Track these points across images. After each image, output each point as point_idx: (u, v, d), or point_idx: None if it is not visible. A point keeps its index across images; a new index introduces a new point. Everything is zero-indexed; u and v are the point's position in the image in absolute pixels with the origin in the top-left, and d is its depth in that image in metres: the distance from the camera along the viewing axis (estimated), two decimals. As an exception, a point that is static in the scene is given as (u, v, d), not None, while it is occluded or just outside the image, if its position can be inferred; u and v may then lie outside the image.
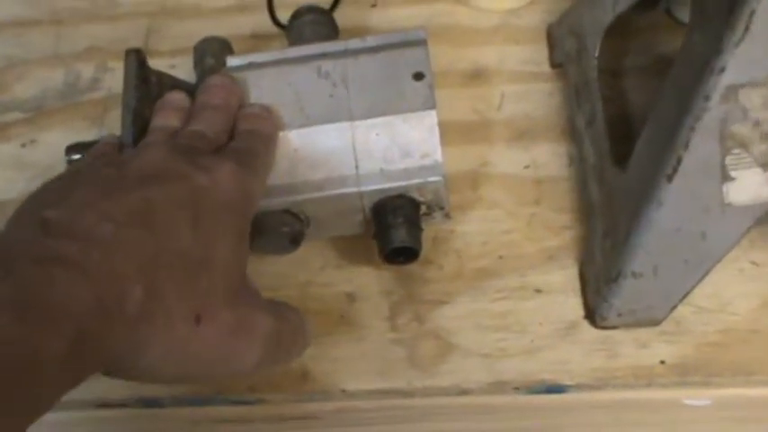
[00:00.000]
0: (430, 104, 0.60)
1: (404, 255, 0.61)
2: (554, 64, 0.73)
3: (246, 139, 0.58)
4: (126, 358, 0.46)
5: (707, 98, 0.51)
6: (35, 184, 0.70)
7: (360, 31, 0.75)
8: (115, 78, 0.76)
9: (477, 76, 0.73)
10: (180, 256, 0.49)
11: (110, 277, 0.45)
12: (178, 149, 0.54)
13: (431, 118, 0.59)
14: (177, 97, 0.61)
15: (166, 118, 0.59)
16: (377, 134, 0.59)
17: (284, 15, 0.76)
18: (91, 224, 0.47)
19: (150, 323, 0.46)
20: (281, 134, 0.60)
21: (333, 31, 0.70)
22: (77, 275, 0.44)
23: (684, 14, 0.69)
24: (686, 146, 0.53)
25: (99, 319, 0.44)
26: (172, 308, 0.47)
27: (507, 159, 0.69)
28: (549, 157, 0.69)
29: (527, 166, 0.69)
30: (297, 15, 0.70)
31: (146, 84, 0.63)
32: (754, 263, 0.63)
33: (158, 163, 0.52)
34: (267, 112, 0.60)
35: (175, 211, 0.50)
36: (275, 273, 0.65)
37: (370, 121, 0.59)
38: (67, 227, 0.47)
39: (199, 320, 0.48)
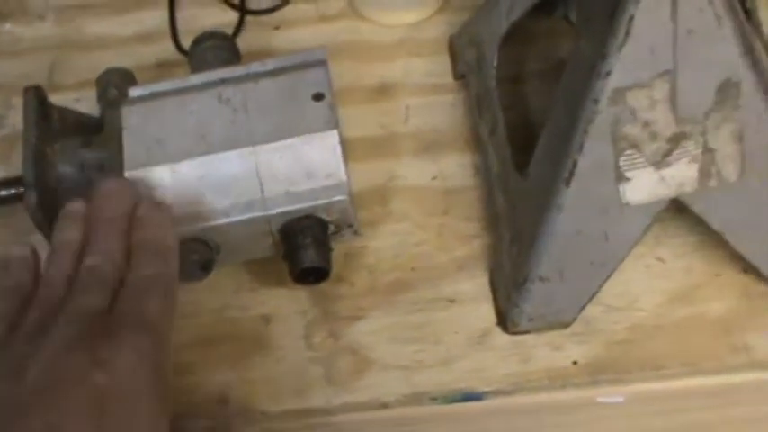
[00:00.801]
0: (331, 125, 0.60)
1: (314, 275, 0.61)
2: (457, 75, 0.73)
3: (144, 264, 0.54)
4: None
5: (596, 101, 0.53)
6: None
7: (264, 54, 0.76)
8: (20, 115, 0.74)
9: (382, 90, 0.74)
10: None
11: None
12: (75, 334, 0.50)
13: (332, 138, 0.60)
14: (75, 208, 0.57)
15: (68, 230, 0.56)
16: (280, 157, 0.60)
17: (188, 42, 0.76)
18: None
19: None
20: (184, 162, 0.60)
21: (234, 56, 0.70)
22: None
23: (580, 19, 0.71)
24: (580, 149, 0.54)
25: None
26: None
27: (415, 172, 0.70)
28: (456, 168, 0.70)
29: (434, 178, 0.69)
30: (198, 41, 0.70)
31: (46, 120, 0.63)
32: (659, 259, 0.64)
33: (55, 368, 0.48)
34: (158, 212, 0.58)
35: (76, 424, 0.47)
36: (188, 300, 0.65)
37: (272, 145, 0.60)
38: None
39: None
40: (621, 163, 0.55)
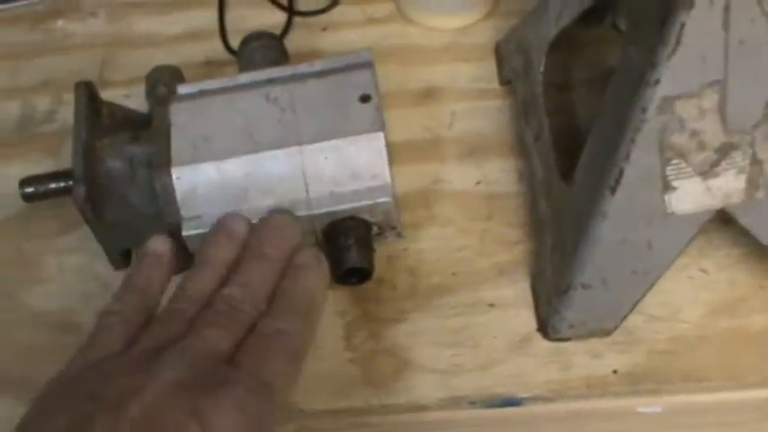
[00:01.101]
0: (377, 126, 0.60)
1: (357, 275, 0.62)
2: (503, 81, 0.74)
3: (283, 314, 0.53)
4: None
5: (644, 110, 0.52)
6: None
7: (311, 55, 0.76)
8: (70, 110, 0.75)
9: (427, 94, 0.74)
10: None
11: None
12: (185, 377, 0.48)
13: (378, 140, 0.60)
14: (238, 228, 0.58)
15: (222, 249, 0.57)
16: (325, 158, 0.60)
17: (236, 42, 0.77)
18: None
19: None
20: (230, 160, 0.60)
21: (282, 56, 0.71)
22: None
23: (629, 28, 0.70)
24: (627, 158, 0.54)
25: None
26: None
27: (459, 176, 0.70)
28: (500, 173, 0.70)
29: (478, 183, 0.69)
30: (246, 41, 0.71)
31: (96, 115, 0.64)
32: (703, 270, 0.64)
33: (155, 411, 0.47)
34: (317, 265, 0.57)
35: None
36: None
37: (318, 145, 0.60)
38: None
39: None
40: (668, 172, 0.54)
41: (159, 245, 0.58)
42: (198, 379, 0.48)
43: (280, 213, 0.59)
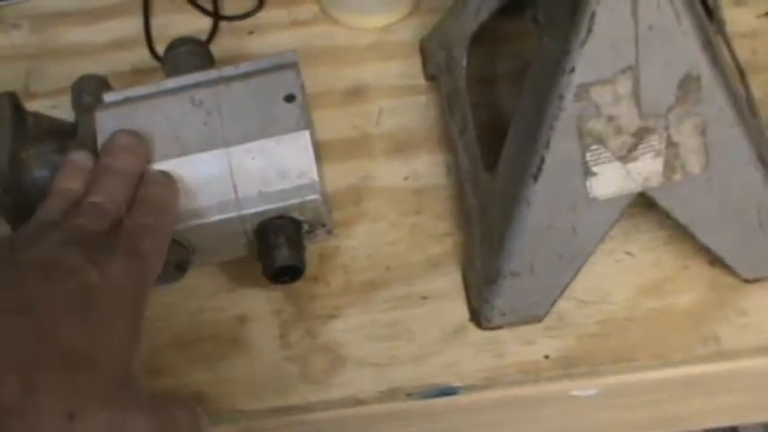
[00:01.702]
0: (302, 125, 0.61)
1: (289, 274, 0.62)
2: (428, 77, 0.74)
3: (145, 212, 0.57)
4: None
5: (561, 98, 0.54)
6: None
7: (238, 59, 0.75)
8: None
9: (355, 93, 0.75)
10: (62, 351, 0.47)
11: None
12: (73, 239, 0.53)
13: (304, 138, 0.60)
14: (80, 158, 0.59)
15: (68, 180, 0.58)
16: (253, 158, 0.60)
17: (163, 49, 0.77)
18: None
19: (20, 417, 0.45)
20: (157, 164, 0.60)
21: (208, 61, 0.71)
22: None
23: (549, 20, 0.72)
24: (547, 145, 0.55)
25: None
26: (45, 403, 0.46)
27: (388, 172, 0.71)
28: (428, 168, 0.71)
29: (407, 178, 0.70)
30: (172, 47, 0.71)
31: (21, 126, 0.63)
32: (629, 253, 0.65)
33: (52, 253, 0.51)
34: (168, 180, 0.59)
35: (63, 307, 0.49)
36: (165, 302, 0.66)
37: (244, 146, 0.60)
38: None
39: (72, 418, 0.46)
40: (588, 158, 0.56)
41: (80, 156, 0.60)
42: (85, 242, 0.53)
43: (124, 132, 0.60)
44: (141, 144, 0.60)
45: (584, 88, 0.53)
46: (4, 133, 0.62)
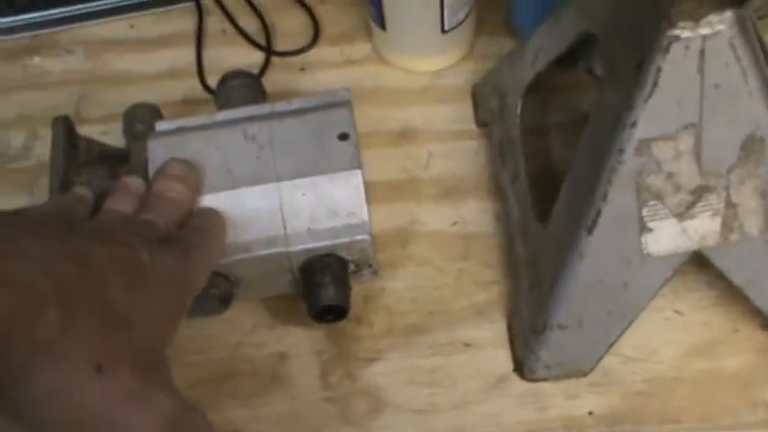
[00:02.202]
0: (355, 164, 0.61)
1: (333, 313, 0.62)
2: (479, 123, 0.74)
3: (194, 234, 0.58)
4: (15, 385, 0.44)
5: (621, 151, 0.53)
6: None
7: (288, 95, 0.76)
8: (45, 146, 0.75)
9: (405, 135, 0.75)
10: (105, 305, 0.48)
11: (30, 292, 0.44)
12: (129, 226, 0.55)
13: (356, 177, 0.60)
14: (133, 183, 0.60)
15: (121, 203, 0.58)
16: (303, 194, 0.60)
17: (214, 80, 0.77)
18: (26, 242, 0.46)
19: (51, 353, 0.45)
20: (207, 196, 0.60)
21: (260, 95, 0.71)
22: None
23: (604, 72, 0.71)
24: (604, 198, 0.54)
25: (5, 332, 0.43)
26: (77, 346, 0.46)
27: (435, 216, 0.70)
28: (476, 214, 0.70)
29: (455, 223, 0.70)
30: (225, 80, 0.71)
31: (73, 150, 0.64)
32: (678, 312, 0.65)
33: (107, 228, 0.53)
34: (218, 215, 0.60)
35: (113, 270, 0.49)
36: (206, 335, 0.65)
37: (296, 182, 0.60)
38: (4, 237, 0.46)
39: (99, 370, 0.47)
40: (644, 213, 0.55)
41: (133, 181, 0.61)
42: (142, 232, 0.54)
43: (176, 160, 0.60)
44: (194, 174, 0.60)
45: (645, 143, 0.53)
46: (57, 157, 0.62)
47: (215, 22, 0.83)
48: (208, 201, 0.60)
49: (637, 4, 0.52)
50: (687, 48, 0.49)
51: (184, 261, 0.54)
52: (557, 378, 0.62)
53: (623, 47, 0.53)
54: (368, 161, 0.65)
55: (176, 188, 0.59)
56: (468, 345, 0.65)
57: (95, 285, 0.48)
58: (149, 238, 0.54)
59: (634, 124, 0.52)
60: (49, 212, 0.56)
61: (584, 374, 0.62)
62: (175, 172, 0.59)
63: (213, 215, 0.60)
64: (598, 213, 0.55)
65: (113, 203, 0.58)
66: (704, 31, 0.49)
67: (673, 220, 0.55)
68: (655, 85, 0.51)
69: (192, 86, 0.80)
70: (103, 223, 0.55)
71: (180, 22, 0.84)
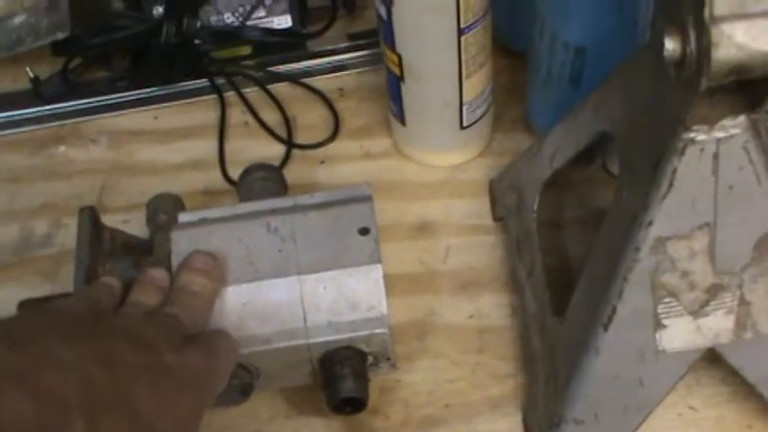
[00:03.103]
0: (375, 258, 0.62)
1: (351, 405, 0.62)
2: (496, 217, 0.75)
3: (212, 337, 0.58)
4: None
5: (637, 250, 0.54)
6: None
7: (309, 187, 0.78)
8: (69, 234, 0.78)
9: (422, 229, 0.76)
10: (130, 411, 0.49)
11: (57, 402, 0.45)
12: (154, 321, 0.55)
13: (376, 272, 0.61)
14: (158, 276, 0.60)
15: (145, 295, 0.59)
16: (324, 287, 0.61)
17: (235, 172, 0.79)
18: (53, 347, 0.47)
19: None
20: (230, 288, 0.61)
21: (282, 187, 0.72)
22: (25, 394, 0.44)
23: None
24: (620, 295, 0.55)
25: None
26: None
27: (452, 309, 0.71)
28: (493, 308, 0.71)
29: (471, 316, 0.71)
30: (247, 172, 0.73)
31: (98, 240, 0.65)
32: (692, 408, 0.65)
33: (134, 326, 0.53)
34: (230, 336, 0.60)
35: (138, 372, 0.50)
36: (224, 424, 0.66)
37: (317, 276, 0.61)
38: (29, 342, 0.47)
39: None
40: (660, 310, 0.56)
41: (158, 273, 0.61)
42: (166, 327, 0.55)
43: (200, 253, 0.61)
44: (217, 267, 0.61)
45: (660, 242, 0.54)
46: (83, 247, 0.63)
47: (237, 114, 0.85)
48: (230, 292, 0.61)
49: (653, 107, 0.53)
50: (702, 150, 0.51)
51: (209, 361, 0.55)
52: (573, 473, 0.63)
53: (640, 147, 0.55)
54: (386, 254, 0.66)
55: (200, 282, 0.59)
56: (484, 438, 0.65)
57: (122, 390, 0.49)
58: (174, 337, 0.54)
59: (650, 223, 0.53)
60: (79, 308, 0.56)
61: (600, 469, 0.63)
62: (198, 265, 0.60)
63: (227, 333, 0.60)
64: (614, 310, 0.56)
65: (138, 295, 0.59)
66: (719, 134, 0.50)
67: (687, 318, 0.56)
68: (671, 185, 0.52)
69: (214, 177, 0.81)
70: (130, 319, 0.55)
71: (202, 114, 0.86)
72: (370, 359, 0.63)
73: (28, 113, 0.87)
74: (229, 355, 0.58)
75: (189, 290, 0.59)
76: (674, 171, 0.51)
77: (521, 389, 0.67)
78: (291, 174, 0.78)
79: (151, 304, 0.58)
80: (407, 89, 0.74)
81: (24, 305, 0.66)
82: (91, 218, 0.65)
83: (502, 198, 0.75)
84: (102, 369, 0.48)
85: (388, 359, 0.63)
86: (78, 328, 0.51)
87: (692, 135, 0.50)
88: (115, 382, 0.48)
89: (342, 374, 0.61)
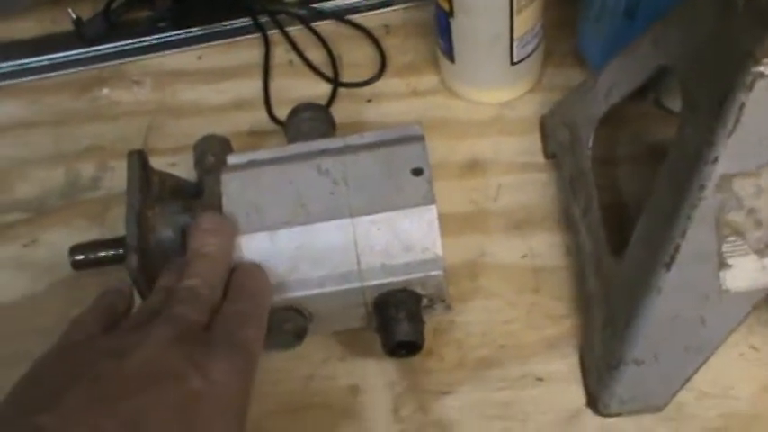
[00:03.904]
0: (429, 200, 0.61)
1: (407, 348, 0.61)
2: (548, 154, 0.74)
3: (239, 300, 0.57)
4: None
5: (702, 188, 0.52)
6: (37, 285, 0.71)
7: (356, 126, 0.77)
8: (115, 177, 0.78)
9: (472, 167, 0.75)
10: None
11: None
12: (175, 335, 0.52)
13: (430, 213, 0.60)
14: (213, 222, 0.60)
15: (172, 279, 0.58)
16: (378, 230, 0.60)
17: (281, 112, 0.78)
18: (75, 420, 0.46)
19: None
20: (282, 231, 0.60)
21: (330, 127, 0.71)
22: None
23: (673, 104, 0.71)
24: (683, 234, 0.54)
25: None
26: None
27: (505, 249, 0.70)
28: (546, 247, 0.70)
29: (524, 256, 0.70)
30: (295, 112, 0.72)
31: (148, 184, 0.64)
32: (753, 347, 0.64)
33: (155, 360, 0.50)
34: (258, 270, 0.60)
35: (167, 423, 0.48)
36: (277, 368, 0.66)
37: (370, 218, 0.60)
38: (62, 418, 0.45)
39: None
40: (724, 249, 0.54)
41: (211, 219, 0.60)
42: (187, 338, 0.52)
43: (207, 215, 0.60)
44: (227, 225, 0.60)
45: (726, 179, 0.52)
46: (133, 191, 0.62)
47: (281, 53, 0.84)
48: (282, 235, 0.60)
49: (719, 41, 0.52)
50: (770, 84, 0.49)
51: (239, 354, 0.53)
52: (630, 413, 0.62)
53: (704, 82, 0.53)
54: (436, 193, 0.65)
55: (212, 241, 0.58)
56: (540, 379, 0.64)
57: None
58: (197, 340, 0.52)
59: (715, 160, 0.52)
60: (96, 359, 0.51)
61: (659, 410, 0.62)
62: (207, 226, 0.59)
63: (255, 270, 0.59)
64: (677, 249, 0.55)
65: (164, 280, 0.58)
66: (789, 68, 0.48)
67: (752, 257, 0.55)
68: (737, 121, 0.50)
69: (259, 118, 0.80)
70: (150, 347, 0.51)
71: (246, 53, 0.85)
72: (425, 301, 0.62)
73: (70, 55, 0.86)
74: (259, 323, 0.56)
75: (202, 252, 0.58)
76: (742, 106, 0.50)
77: (576, 329, 0.66)
78: (338, 113, 0.77)
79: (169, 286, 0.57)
80: (457, 25, 0.72)
81: (76, 250, 0.66)
82: (140, 162, 0.64)
83: (553, 135, 0.73)
84: None
85: (443, 301, 0.63)
86: (101, 394, 0.48)
87: (761, 69, 0.48)
88: None
89: (397, 317, 0.61)
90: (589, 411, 0.63)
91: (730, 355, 0.63)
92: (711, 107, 0.51)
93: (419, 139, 0.64)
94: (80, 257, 0.66)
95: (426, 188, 0.61)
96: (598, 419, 0.62)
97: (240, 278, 0.58)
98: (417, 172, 0.62)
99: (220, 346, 0.52)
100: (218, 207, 0.62)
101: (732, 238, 0.54)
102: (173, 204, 0.64)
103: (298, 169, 0.63)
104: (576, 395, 0.64)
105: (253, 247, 0.61)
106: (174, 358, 0.50)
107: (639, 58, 0.61)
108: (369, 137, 0.65)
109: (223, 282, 0.57)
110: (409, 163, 0.62)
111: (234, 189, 0.63)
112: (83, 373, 0.48)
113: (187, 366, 0.50)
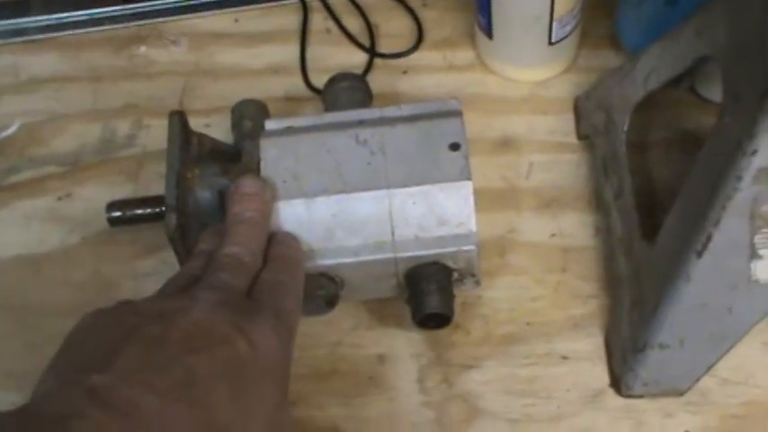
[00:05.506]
0: (466, 175, 0.61)
1: (436, 321, 0.62)
2: (581, 135, 0.74)
3: (279, 270, 0.57)
4: None
5: (739, 179, 0.53)
6: (70, 238, 0.72)
7: (391, 97, 0.78)
8: (150, 135, 0.78)
9: (505, 144, 0.75)
10: (218, 428, 0.48)
11: None
12: (219, 301, 0.53)
13: (466, 188, 0.61)
14: (253, 185, 0.60)
15: (212, 244, 0.59)
16: (413, 202, 0.61)
17: (317, 79, 0.78)
18: (135, 397, 0.46)
19: None
20: (318, 199, 0.61)
21: (367, 97, 0.72)
22: None
23: (708, 92, 0.71)
24: (717, 224, 0.55)
25: None
26: None
27: (534, 227, 0.71)
28: (576, 227, 0.71)
29: (554, 235, 0.70)
30: (333, 81, 0.72)
31: (187, 146, 0.65)
32: (777, 337, 0.65)
33: (202, 324, 0.51)
34: (295, 241, 0.60)
35: (216, 383, 0.49)
36: (306, 333, 0.66)
37: (407, 190, 0.61)
38: (112, 397, 0.46)
39: None
40: (756, 240, 0.55)
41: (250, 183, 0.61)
42: (231, 304, 0.53)
43: (246, 179, 0.60)
44: (267, 189, 0.61)
45: (763, 171, 0.53)
46: (173, 152, 0.63)
47: (319, 20, 0.84)
48: (320, 203, 0.61)
49: (764, 32, 0.52)
50: (815, 79, 0.49)
51: (282, 322, 0.54)
52: (653, 396, 0.63)
53: (748, 74, 0.53)
54: (470, 169, 0.66)
55: (252, 207, 0.59)
56: (565, 357, 0.65)
57: (205, 416, 0.48)
58: (241, 307, 0.53)
59: (754, 152, 0.52)
60: (144, 308, 0.53)
61: (681, 394, 0.63)
62: (247, 190, 0.60)
63: (291, 241, 0.60)
64: (709, 238, 0.55)
65: (203, 245, 0.59)
66: (834, 63, 0.49)
67: (784, 249, 0.55)
68: (780, 115, 0.51)
69: (295, 83, 0.81)
70: (196, 311, 0.51)
71: (284, 18, 0.85)
72: (455, 275, 0.63)
73: (108, 11, 0.86)
74: (296, 311, 0.57)
75: (244, 218, 0.58)
76: (786, 100, 0.50)
77: (603, 310, 0.67)
78: (373, 83, 0.77)
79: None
80: (498, 2, 0.72)
81: (113, 206, 0.67)
82: (181, 122, 0.65)
83: (588, 116, 0.74)
84: (182, 402, 0.47)
85: (473, 276, 0.63)
86: (150, 355, 0.48)
87: (807, 63, 0.49)
88: (198, 410, 0.48)
89: (428, 290, 0.61)
90: (612, 392, 0.64)
91: (753, 343, 0.64)
92: (754, 99, 0.52)
93: (457, 113, 0.64)
94: (117, 214, 0.67)
95: (463, 163, 0.62)
96: (621, 400, 0.63)
97: (279, 248, 0.59)
98: (455, 147, 0.62)
99: (264, 314, 0.53)
100: (255, 171, 0.63)
101: (765, 230, 0.55)
102: (212, 166, 0.64)
103: (336, 138, 0.63)
104: (600, 375, 0.64)
105: (289, 213, 0.61)
106: (220, 323, 0.51)
107: (682, 45, 0.61)
108: (407, 109, 0.65)
109: (263, 248, 0.58)
110: (447, 137, 0.63)
111: (272, 155, 0.63)
112: (134, 334, 0.49)
113: (233, 330, 0.51)
